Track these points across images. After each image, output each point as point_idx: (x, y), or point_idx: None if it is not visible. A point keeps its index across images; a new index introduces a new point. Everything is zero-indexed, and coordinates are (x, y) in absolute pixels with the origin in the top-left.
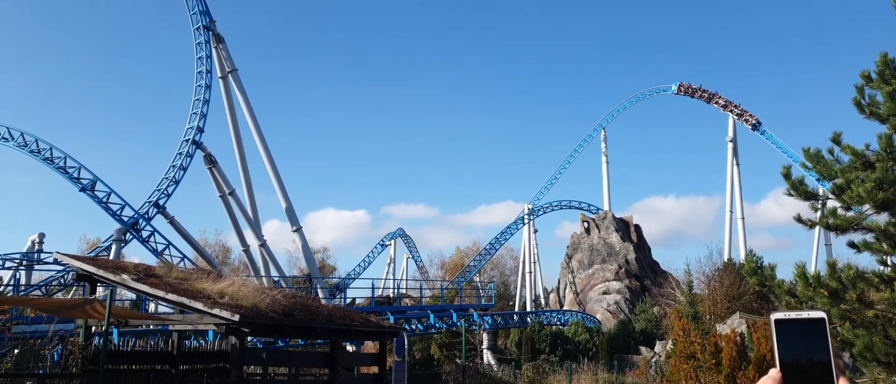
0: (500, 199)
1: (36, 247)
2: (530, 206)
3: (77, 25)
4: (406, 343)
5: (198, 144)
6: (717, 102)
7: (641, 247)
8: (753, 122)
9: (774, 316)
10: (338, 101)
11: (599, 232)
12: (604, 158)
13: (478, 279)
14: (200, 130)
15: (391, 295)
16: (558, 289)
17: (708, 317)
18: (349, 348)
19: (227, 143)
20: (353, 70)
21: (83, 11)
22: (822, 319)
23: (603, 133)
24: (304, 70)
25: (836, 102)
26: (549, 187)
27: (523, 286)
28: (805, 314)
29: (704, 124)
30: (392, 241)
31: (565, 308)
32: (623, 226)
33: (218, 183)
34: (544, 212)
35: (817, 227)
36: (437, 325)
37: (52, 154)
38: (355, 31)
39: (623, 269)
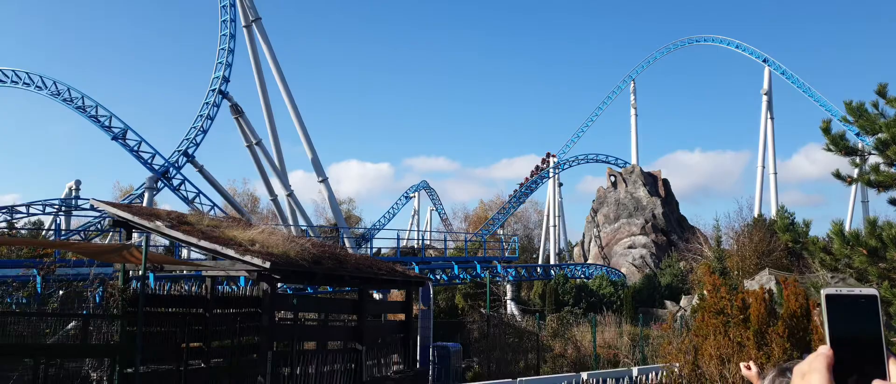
0: (524, 152)
1: (73, 193)
2: (556, 159)
3: None
4: (431, 292)
5: (224, 94)
6: (546, 164)
7: (669, 201)
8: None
9: (826, 291)
10: (360, 54)
11: (626, 186)
12: (633, 110)
13: (501, 232)
14: (226, 80)
15: (416, 246)
16: (582, 243)
17: (736, 272)
18: (376, 296)
19: (254, 92)
20: (377, 23)
21: None
22: (875, 296)
23: (632, 84)
24: (327, 23)
25: (882, 55)
26: (575, 140)
27: (547, 239)
28: (857, 290)
29: (734, 76)
30: (416, 194)
31: (589, 262)
32: (650, 181)
33: (245, 133)
34: (570, 166)
35: (855, 184)
36: (462, 276)
37: (83, 103)
38: None
39: (649, 224)
